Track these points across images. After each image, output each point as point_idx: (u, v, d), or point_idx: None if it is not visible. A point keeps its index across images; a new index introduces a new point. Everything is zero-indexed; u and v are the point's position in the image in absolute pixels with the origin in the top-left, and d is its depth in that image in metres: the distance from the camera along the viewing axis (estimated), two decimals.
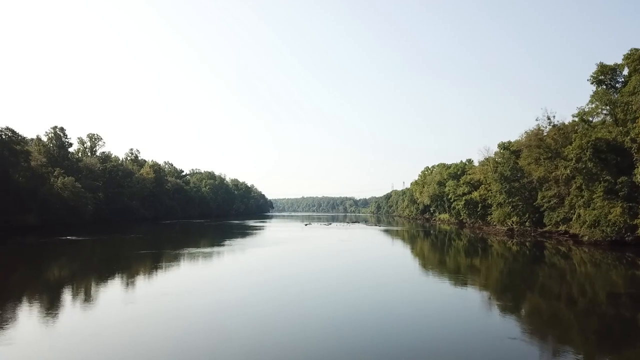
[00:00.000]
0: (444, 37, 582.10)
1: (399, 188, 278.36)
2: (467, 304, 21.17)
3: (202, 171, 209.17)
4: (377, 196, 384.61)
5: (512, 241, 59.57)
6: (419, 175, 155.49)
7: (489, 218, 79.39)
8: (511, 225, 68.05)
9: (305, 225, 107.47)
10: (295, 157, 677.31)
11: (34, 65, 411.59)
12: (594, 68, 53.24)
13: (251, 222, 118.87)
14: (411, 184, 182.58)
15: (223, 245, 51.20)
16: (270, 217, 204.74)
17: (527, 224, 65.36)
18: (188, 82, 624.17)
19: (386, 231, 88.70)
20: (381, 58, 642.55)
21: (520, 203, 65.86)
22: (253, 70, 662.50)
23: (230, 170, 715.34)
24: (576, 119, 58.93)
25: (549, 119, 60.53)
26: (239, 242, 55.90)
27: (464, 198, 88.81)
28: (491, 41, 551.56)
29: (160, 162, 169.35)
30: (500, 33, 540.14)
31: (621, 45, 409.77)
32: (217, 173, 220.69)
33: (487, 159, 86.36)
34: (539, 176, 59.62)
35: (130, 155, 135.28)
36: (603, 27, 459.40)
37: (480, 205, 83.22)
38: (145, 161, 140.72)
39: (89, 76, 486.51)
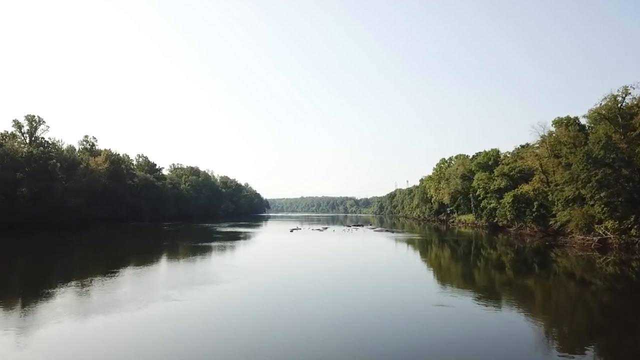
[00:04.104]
0: (444, 37, 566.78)
1: (403, 187, 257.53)
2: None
3: (185, 166, 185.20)
4: (378, 196, 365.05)
5: (603, 259, 37.30)
6: (434, 169, 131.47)
7: (552, 222, 55.42)
8: (603, 233, 44.03)
9: (292, 230, 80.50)
10: (295, 157, 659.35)
11: (35, 65, 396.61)
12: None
13: (228, 227, 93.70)
14: (422, 180, 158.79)
15: (51, 296, 20.78)
16: (262, 219, 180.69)
17: (632, 232, 41.60)
18: (188, 82, 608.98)
19: (405, 241, 64.54)
20: (381, 58, 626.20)
21: (619, 200, 42.08)
22: (253, 70, 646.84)
23: (231, 170, 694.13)
24: None
25: None
26: (126, 277, 27.13)
27: (510, 193, 64.72)
28: (491, 41, 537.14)
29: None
30: (500, 33, 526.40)
31: (621, 45, 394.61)
32: (202, 169, 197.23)
33: (543, 140, 62.58)
34: None
35: (84, 143, 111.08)
36: (603, 27, 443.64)
37: (536, 203, 59.22)
38: (114, 153, 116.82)
39: (88, 75, 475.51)
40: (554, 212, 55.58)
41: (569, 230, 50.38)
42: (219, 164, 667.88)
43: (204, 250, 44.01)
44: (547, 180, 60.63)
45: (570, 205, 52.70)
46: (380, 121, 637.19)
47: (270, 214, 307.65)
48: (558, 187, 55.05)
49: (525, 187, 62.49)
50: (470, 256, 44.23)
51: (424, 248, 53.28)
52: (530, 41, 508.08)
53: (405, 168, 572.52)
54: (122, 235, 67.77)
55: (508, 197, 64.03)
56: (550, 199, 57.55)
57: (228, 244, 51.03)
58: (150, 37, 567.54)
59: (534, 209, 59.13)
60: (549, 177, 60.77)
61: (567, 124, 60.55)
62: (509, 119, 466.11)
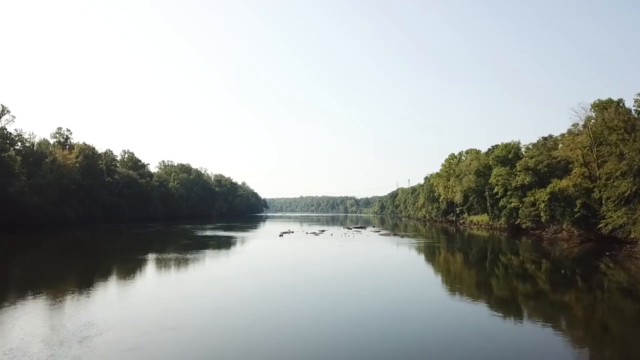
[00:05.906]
0: (447, 36, 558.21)
1: (405, 186, 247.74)
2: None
3: (175, 163, 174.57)
4: (379, 195, 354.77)
5: None
6: (442, 165, 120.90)
7: (601, 225, 44.85)
8: None
9: (281, 235, 68.91)
10: (295, 156, 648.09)
11: (37, 64, 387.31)
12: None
13: (212, 230, 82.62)
14: (427, 178, 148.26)
15: None
16: (257, 219, 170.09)
17: None
18: (188, 82, 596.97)
19: (421, 248, 53.93)
20: (383, 57, 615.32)
21: None
22: (253, 69, 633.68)
23: (231, 170, 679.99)
24: None
25: None
26: None
27: (546, 190, 54.03)
28: (494, 41, 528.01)
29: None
30: (504, 33, 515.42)
31: (622, 45, 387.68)
32: (196, 166, 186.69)
33: (584, 125, 52.01)
34: None
35: (57, 136, 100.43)
36: (603, 27, 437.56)
37: (578, 202, 48.66)
38: (89, 147, 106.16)
39: (89, 75, 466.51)
40: (602, 213, 45.11)
41: (630, 236, 39.83)
42: (219, 165, 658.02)
43: (144, 267, 32.02)
44: (590, 174, 50.17)
45: (625, 204, 42.39)
46: (382, 121, 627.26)
47: (268, 214, 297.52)
48: (609, 182, 44.62)
49: (563, 183, 51.91)
50: (508, 269, 33.86)
51: (461, 260, 42.74)
52: (533, 41, 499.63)
53: (406, 167, 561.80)
54: (73, 241, 56.98)
55: (543, 195, 53.39)
56: (596, 197, 47.11)
57: (188, 256, 37.89)
58: (150, 36, 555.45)
59: (576, 209, 48.61)
60: (591, 171, 50.32)
61: (616, 106, 50.12)
62: (512, 119, 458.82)
